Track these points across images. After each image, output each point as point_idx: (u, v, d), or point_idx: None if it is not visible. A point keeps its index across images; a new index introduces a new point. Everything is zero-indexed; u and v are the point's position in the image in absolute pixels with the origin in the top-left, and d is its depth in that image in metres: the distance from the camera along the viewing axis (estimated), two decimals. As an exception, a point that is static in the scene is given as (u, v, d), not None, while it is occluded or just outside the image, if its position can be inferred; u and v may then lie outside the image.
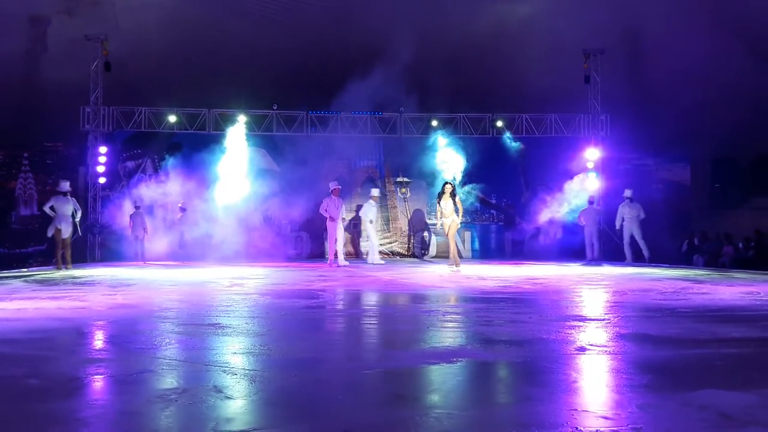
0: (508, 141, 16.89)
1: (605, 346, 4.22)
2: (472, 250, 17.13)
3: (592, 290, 8.35)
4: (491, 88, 17.94)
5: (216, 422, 2.60)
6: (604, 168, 16.79)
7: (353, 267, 13.01)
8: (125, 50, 16.42)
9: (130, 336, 4.64)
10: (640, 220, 14.37)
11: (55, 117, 18.46)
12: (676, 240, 16.76)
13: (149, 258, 14.79)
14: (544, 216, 16.28)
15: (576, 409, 2.79)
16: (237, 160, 15.82)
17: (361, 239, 16.73)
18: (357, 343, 4.66)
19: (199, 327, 5.05)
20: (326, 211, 13.59)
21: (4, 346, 4.21)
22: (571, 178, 16.34)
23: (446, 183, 12.33)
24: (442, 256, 15.46)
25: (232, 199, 15.42)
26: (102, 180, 16.13)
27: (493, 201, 17.50)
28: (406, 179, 17.12)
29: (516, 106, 17.22)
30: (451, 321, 5.54)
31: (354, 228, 16.80)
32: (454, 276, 10.56)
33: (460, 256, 14.80)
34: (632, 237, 14.53)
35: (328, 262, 13.68)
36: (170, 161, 16.42)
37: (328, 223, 13.67)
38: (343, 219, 14.08)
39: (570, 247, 15.85)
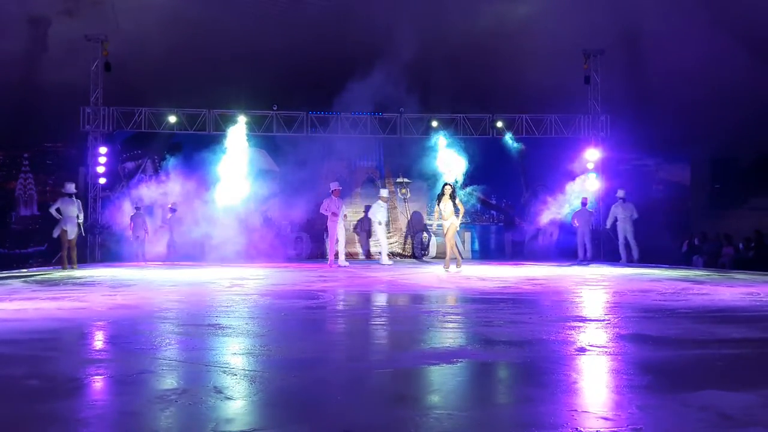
0: (510, 141, 16.89)
1: (605, 346, 4.22)
2: (472, 250, 17.13)
3: (591, 291, 8.35)
4: (491, 89, 17.94)
5: (216, 423, 2.60)
6: (604, 168, 16.79)
7: (354, 268, 13.01)
8: (125, 50, 16.43)
9: (130, 336, 4.64)
10: (633, 220, 14.46)
11: (55, 117, 18.45)
12: (676, 240, 16.75)
13: (150, 258, 14.80)
14: (545, 217, 16.30)
15: (576, 410, 2.79)
16: (237, 161, 15.82)
17: (371, 240, 16.71)
18: (357, 344, 4.66)
19: (199, 327, 5.06)
20: (327, 209, 13.61)
21: (4, 347, 4.21)
22: (572, 178, 16.35)
23: (446, 184, 12.22)
24: (442, 257, 15.46)
25: (232, 200, 15.42)
26: (102, 180, 16.13)
27: (493, 202, 17.51)
28: (406, 180, 17.12)
29: (516, 107, 17.23)
30: (451, 321, 5.54)
31: (363, 229, 16.81)
32: (454, 276, 10.55)
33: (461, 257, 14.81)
34: (626, 237, 14.62)
35: (329, 262, 13.69)
36: (170, 162, 16.42)
37: (329, 224, 13.69)
38: (345, 215, 14.05)
39: (569, 247, 15.87)
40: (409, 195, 16.90)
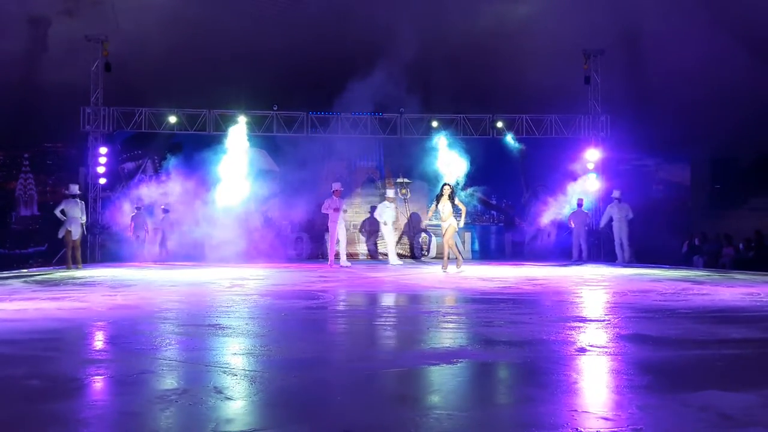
0: (511, 142, 16.88)
1: (605, 347, 4.22)
2: (472, 251, 17.12)
3: (592, 291, 8.35)
4: (491, 89, 17.93)
5: (216, 423, 2.60)
6: (604, 168, 16.79)
7: (355, 268, 13.00)
8: (125, 51, 16.43)
9: (131, 337, 4.65)
10: (628, 220, 14.52)
11: (55, 118, 18.46)
12: (676, 241, 16.75)
13: (149, 258, 14.80)
14: (546, 218, 16.32)
15: (576, 410, 2.79)
16: (237, 161, 15.81)
17: (377, 240, 16.68)
18: (357, 344, 4.66)
19: (199, 328, 5.06)
20: (328, 208, 13.65)
21: (4, 347, 4.21)
22: (572, 178, 16.34)
23: (445, 184, 12.07)
24: (442, 257, 15.45)
25: (233, 200, 15.42)
26: (102, 181, 16.13)
27: (494, 202, 17.50)
28: (406, 180, 17.11)
29: (516, 107, 17.22)
30: (451, 322, 5.54)
31: (366, 229, 16.81)
32: (454, 277, 10.55)
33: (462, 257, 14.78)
34: (621, 237, 14.69)
35: (329, 262, 13.69)
36: (170, 162, 16.42)
37: (330, 224, 13.71)
38: (345, 211, 14.03)
39: (567, 248, 15.89)
40: (409, 195, 16.89)
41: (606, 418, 2.66)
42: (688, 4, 17.91)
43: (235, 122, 16.31)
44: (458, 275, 10.83)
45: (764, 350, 4.26)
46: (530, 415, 2.74)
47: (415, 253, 16.99)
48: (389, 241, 14.92)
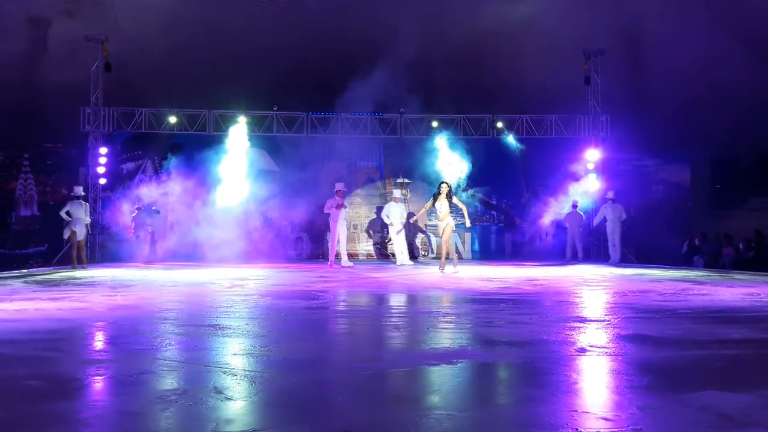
0: (513, 142, 16.87)
1: (605, 347, 4.22)
2: (472, 251, 17.12)
3: (592, 291, 8.35)
4: (491, 89, 17.93)
5: (216, 423, 2.60)
6: (604, 169, 16.79)
7: (355, 268, 12.99)
8: (125, 51, 16.42)
9: (131, 337, 4.65)
10: (622, 221, 14.57)
11: (55, 118, 18.46)
12: (676, 241, 16.75)
13: (141, 259, 14.79)
14: (547, 219, 16.33)
15: (576, 410, 2.79)
16: (237, 161, 15.81)
17: (387, 241, 16.62)
18: (357, 344, 4.66)
19: (199, 328, 5.06)
20: (329, 207, 13.69)
21: (4, 347, 4.21)
22: (572, 178, 16.34)
23: (442, 183, 11.85)
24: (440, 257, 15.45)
25: (233, 200, 15.42)
26: (102, 181, 16.12)
27: (494, 202, 17.50)
28: (406, 180, 17.10)
29: (516, 107, 17.22)
30: (451, 322, 5.54)
31: (375, 230, 16.81)
32: (452, 277, 10.53)
33: (460, 258, 14.79)
34: (614, 237, 14.76)
35: (329, 263, 13.69)
36: (171, 162, 16.41)
37: (331, 223, 13.73)
38: (345, 207, 14.02)
39: (564, 248, 15.91)
40: (409, 196, 16.87)
41: (606, 419, 2.66)
42: (688, 5, 17.92)
43: (235, 122, 16.30)
44: (454, 276, 10.79)
45: (764, 351, 4.27)
46: (530, 415, 2.74)
47: (414, 253, 16.97)
48: (399, 241, 14.87)
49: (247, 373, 3.47)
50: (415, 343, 4.47)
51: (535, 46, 17.92)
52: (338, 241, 13.83)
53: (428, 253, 16.89)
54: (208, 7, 18.89)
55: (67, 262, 13.15)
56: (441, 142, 16.07)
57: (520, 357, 3.93)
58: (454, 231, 12.29)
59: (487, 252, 17.12)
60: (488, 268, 12.74)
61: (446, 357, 3.83)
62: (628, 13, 18.13)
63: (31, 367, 3.60)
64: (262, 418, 2.79)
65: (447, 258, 11.70)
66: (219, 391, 3.05)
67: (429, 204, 11.90)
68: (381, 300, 7.64)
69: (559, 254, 15.82)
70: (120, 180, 16.48)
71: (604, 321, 5.57)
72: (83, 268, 12.46)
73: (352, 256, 15.58)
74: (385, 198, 17.05)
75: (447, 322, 5.53)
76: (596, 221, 15.27)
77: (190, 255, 14.97)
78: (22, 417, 2.71)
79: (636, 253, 15.67)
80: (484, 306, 6.61)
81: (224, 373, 3.45)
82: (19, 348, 4.22)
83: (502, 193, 17.53)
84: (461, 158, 15.66)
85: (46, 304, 6.53)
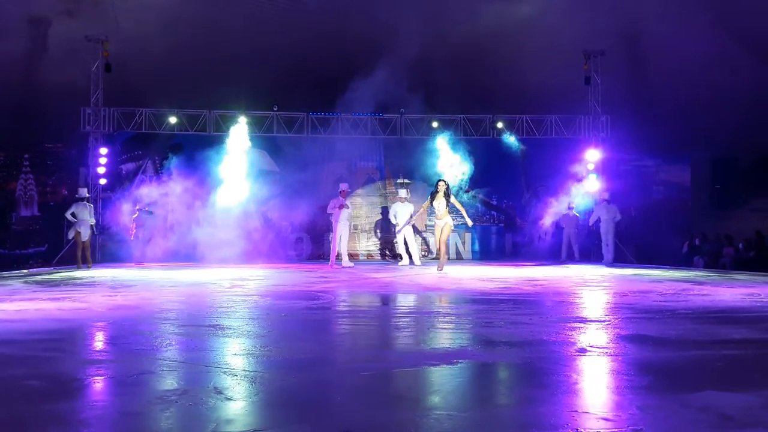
0: (514, 142, 16.87)
1: (606, 347, 4.22)
2: (473, 251, 17.12)
3: (592, 292, 8.35)
4: (492, 90, 17.93)
5: (216, 423, 2.60)
6: (604, 169, 16.79)
7: (356, 269, 12.98)
8: (125, 51, 16.42)
9: (131, 337, 4.65)
10: (615, 221, 14.61)
11: (55, 118, 18.45)
12: (677, 241, 16.75)
13: (150, 259, 14.80)
14: (547, 219, 16.34)
15: (576, 411, 2.79)
16: (237, 162, 15.81)
17: (394, 241, 16.55)
18: (357, 344, 4.66)
19: (199, 328, 5.06)
20: (332, 207, 13.70)
21: (4, 347, 4.21)
22: (573, 179, 16.34)
23: (439, 181, 11.72)
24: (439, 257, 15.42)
25: (233, 201, 15.41)
26: (102, 181, 16.12)
27: (494, 202, 17.50)
28: (406, 181, 17.09)
29: (516, 107, 17.22)
30: (451, 322, 5.53)
31: (384, 230, 16.82)
32: (445, 278, 10.48)
33: (461, 258, 14.76)
34: (607, 237, 14.79)
35: (330, 263, 13.69)
36: (171, 162, 16.41)
37: (334, 223, 13.75)
38: (347, 206, 14.01)
39: (561, 249, 15.93)
40: (409, 196, 16.88)
41: (606, 419, 2.66)
42: (688, 5, 17.91)
43: (236, 122, 16.30)
44: (447, 277, 10.51)
45: (764, 351, 4.26)
46: (530, 415, 2.74)
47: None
48: (410, 241, 14.83)
49: (247, 373, 3.47)
50: (415, 344, 4.46)
51: (535, 46, 17.92)
52: (339, 242, 13.83)
53: (427, 254, 16.88)
54: (208, 7, 18.88)
55: (67, 262, 13.19)
56: (441, 142, 16.08)
57: (520, 357, 3.93)
58: (453, 231, 12.19)
59: (488, 252, 17.12)
60: (488, 269, 12.73)
61: (446, 357, 3.83)
62: (628, 13, 18.13)
63: (31, 367, 3.60)
64: (263, 418, 2.79)
65: (436, 257, 11.55)
66: (219, 392, 3.05)
67: (427, 203, 11.82)
68: (381, 300, 7.64)
69: (557, 255, 15.84)
70: (120, 180, 16.47)
71: (604, 321, 5.57)
72: (88, 268, 12.57)
73: (352, 257, 15.57)
74: (386, 198, 17.06)
75: (447, 322, 5.53)
76: (592, 221, 15.31)
77: (190, 255, 14.97)
78: (22, 417, 2.71)
79: (636, 253, 15.67)
80: (484, 306, 6.61)
81: (224, 373, 3.45)
82: (19, 348, 4.22)
83: (503, 193, 17.52)
84: (462, 159, 15.64)
85: (47, 304, 6.53)
